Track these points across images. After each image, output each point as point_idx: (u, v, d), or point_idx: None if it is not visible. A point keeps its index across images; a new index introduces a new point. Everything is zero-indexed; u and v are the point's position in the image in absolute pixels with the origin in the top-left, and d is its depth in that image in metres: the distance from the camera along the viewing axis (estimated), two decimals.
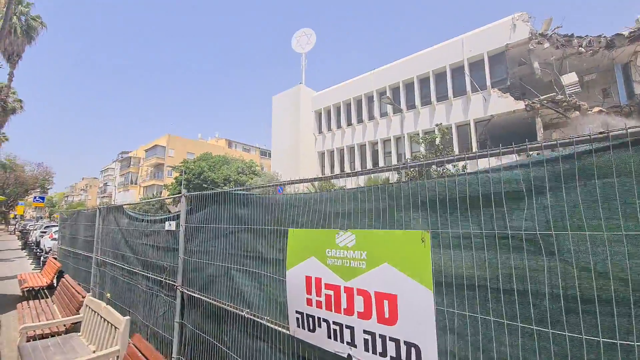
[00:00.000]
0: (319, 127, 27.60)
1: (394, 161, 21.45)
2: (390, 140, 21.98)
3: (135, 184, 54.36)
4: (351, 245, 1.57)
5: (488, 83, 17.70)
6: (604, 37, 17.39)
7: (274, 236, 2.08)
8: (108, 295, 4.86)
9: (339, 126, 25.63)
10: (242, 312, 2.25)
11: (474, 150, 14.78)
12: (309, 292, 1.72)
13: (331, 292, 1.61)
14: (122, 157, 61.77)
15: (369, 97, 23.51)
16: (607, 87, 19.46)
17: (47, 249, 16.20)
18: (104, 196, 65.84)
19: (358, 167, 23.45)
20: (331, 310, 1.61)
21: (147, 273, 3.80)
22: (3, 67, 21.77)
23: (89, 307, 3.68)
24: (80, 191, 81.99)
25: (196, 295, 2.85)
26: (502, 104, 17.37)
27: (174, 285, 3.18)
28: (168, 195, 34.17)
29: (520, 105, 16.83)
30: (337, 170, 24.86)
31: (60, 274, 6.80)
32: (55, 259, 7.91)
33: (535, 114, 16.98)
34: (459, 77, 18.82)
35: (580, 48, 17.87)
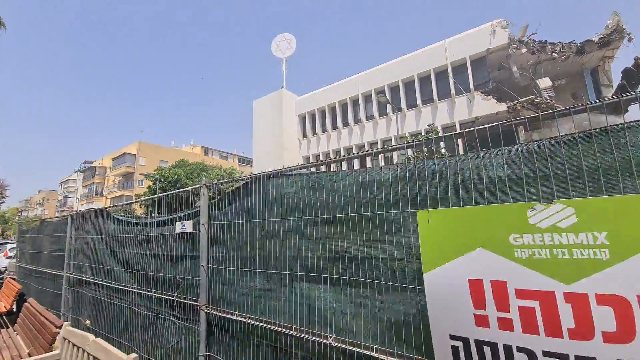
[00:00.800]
0: (303, 131, 27.04)
1: (382, 163, 21.23)
2: (377, 143, 21.86)
3: (101, 195, 50.37)
4: (568, 224, 0.97)
5: (471, 86, 18.13)
6: (575, 43, 18.50)
7: (383, 225, 1.43)
8: (87, 322, 3.86)
9: (324, 130, 25.22)
10: (319, 337, 1.55)
11: (461, 151, 14.90)
12: (478, 304, 1.09)
13: (534, 303, 0.99)
14: (85, 167, 57.22)
15: (355, 101, 23.37)
16: (576, 91, 20.68)
17: (2, 269, 14.07)
18: (64, 210, 60.39)
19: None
20: (536, 333, 0.99)
21: (147, 291, 2.96)
22: None
23: (69, 342, 2.75)
24: (37, 205, 74.85)
25: (233, 318, 2.09)
26: (485, 106, 17.82)
27: (195, 305, 2.39)
28: (139, 205, 31.66)
29: (503, 107, 17.34)
30: None
31: (21, 298, 5.56)
32: (13, 279, 6.55)
33: (516, 116, 17.58)
34: (443, 81, 19.17)
35: (553, 54, 18.85)
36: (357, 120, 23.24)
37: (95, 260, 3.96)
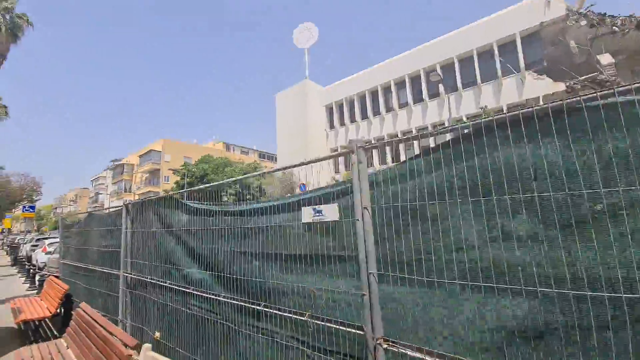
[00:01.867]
0: (330, 122, 26.07)
1: (416, 152, 19.91)
2: (411, 132, 20.53)
3: (129, 191, 51.75)
4: None
5: (522, 65, 16.44)
6: (635, 17, 16.43)
7: None
8: (157, 335, 3.13)
9: (353, 120, 24.13)
10: None
11: None
12: None
13: None
14: (114, 165, 59.06)
15: (386, 88, 22.09)
16: (634, 68, 18.47)
17: (41, 265, 14.14)
18: (96, 206, 62.83)
19: (376, 163, 21.95)
20: None
21: (250, 303, 2.14)
22: None
23: None
24: (70, 202, 78.48)
25: None
26: (539, 87, 16.12)
27: (358, 335, 1.53)
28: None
29: (560, 87, 15.60)
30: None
31: (67, 299, 5.03)
32: (56, 277, 6.09)
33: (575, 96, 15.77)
34: (488, 61, 17.53)
35: (614, 27, 16.81)
36: (389, 109, 21.99)
37: (164, 259, 3.21)
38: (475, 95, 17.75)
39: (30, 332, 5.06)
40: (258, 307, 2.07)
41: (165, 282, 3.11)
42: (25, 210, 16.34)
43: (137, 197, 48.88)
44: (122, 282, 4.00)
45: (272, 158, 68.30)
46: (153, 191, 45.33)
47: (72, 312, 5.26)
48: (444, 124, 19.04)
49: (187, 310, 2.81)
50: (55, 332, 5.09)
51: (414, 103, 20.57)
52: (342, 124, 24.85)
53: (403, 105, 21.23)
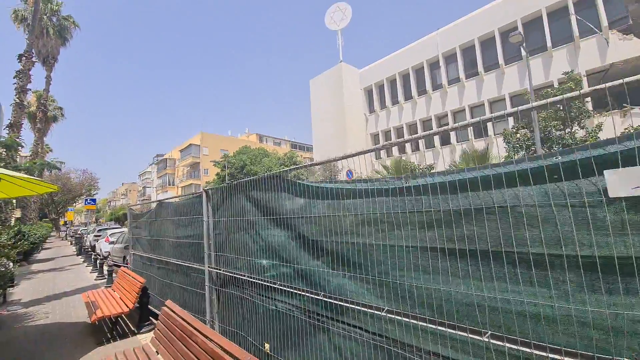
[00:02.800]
0: (369, 105, 24.75)
1: (471, 136, 18.18)
2: (464, 110, 18.71)
3: (173, 185, 54.58)
4: None
5: (602, 24, 13.94)
6: None
7: None
8: (266, 347, 2.52)
9: (395, 102, 22.62)
10: None
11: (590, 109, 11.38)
12: None
13: None
14: (157, 160, 62.49)
15: (433, 64, 20.26)
16: None
17: (105, 254, 14.95)
18: (144, 199, 67.34)
19: (422, 147, 20.43)
20: None
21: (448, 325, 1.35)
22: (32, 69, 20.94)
23: None
24: (121, 196, 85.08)
25: None
26: (626, 48, 13.58)
27: None
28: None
29: None
30: (395, 153, 22.00)
31: (144, 293, 4.72)
32: (125, 267, 5.92)
33: None
34: (559, 21, 15.13)
35: None
36: (436, 86, 20.19)
37: (269, 253, 2.57)
38: (545, 63, 15.48)
39: (107, 329, 4.87)
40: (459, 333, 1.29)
41: (275, 284, 2.46)
42: (87, 202, 17.39)
43: (180, 189, 51.31)
44: (207, 278, 3.49)
45: (304, 148, 68.13)
46: (194, 184, 47.28)
47: (149, 307, 5.00)
48: (500, 100, 17.03)
49: (309, 320, 2.14)
50: (133, 328, 4.86)
51: (466, 78, 18.61)
52: (383, 106, 23.43)
53: (453, 81, 19.33)
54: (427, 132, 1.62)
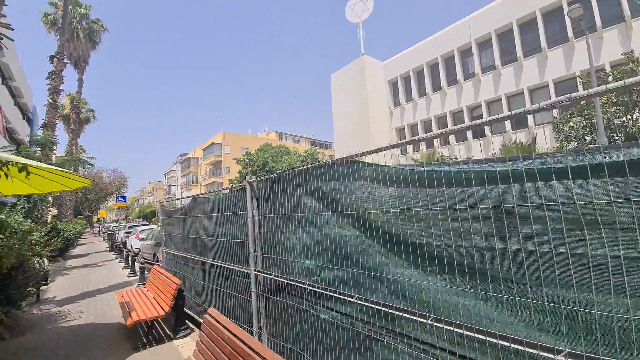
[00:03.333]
0: (394, 98, 23.79)
1: (508, 127, 16.90)
2: (500, 100, 17.42)
3: (196, 183, 55.89)
4: None
5: None
6: None
7: None
8: None
9: (422, 93, 21.55)
10: None
11: None
12: None
13: None
14: (181, 159, 64.25)
15: (464, 51, 19.03)
16: None
17: (135, 250, 15.20)
18: (169, 197, 69.62)
19: (453, 141, 19.31)
20: None
21: None
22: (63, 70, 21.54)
23: None
24: (148, 194, 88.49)
25: None
26: None
27: None
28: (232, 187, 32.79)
29: None
30: (423, 148, 20.98)
31: (179, 295, 4.38)
32: (156, 264, 5.66)
33: None
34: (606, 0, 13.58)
35: None
36: (468, 75, 18.97)
37: (335, 258, 2.05)
38: (594, 45, 13.95)
39: (142, 332, 4.59)
40: None
41: (352, 297, 1.94)
42: (118, 200, 17.85)
43: (203, 188, 52.41)
44: (254, 283, 3.03)
45: (323, 145, 67.62)
46: (217, 182, 48.07)
47: (185, 310, 4.68)
48: (538, 89, 15.65)
49: (400, 347, 1.59)
50: (169, 332, 4.55)
51: (502, 65, 17.30)
52: (409, 99, 22.41)
53: (488, 69, 18.04)
54: (477, 121, 1.02)
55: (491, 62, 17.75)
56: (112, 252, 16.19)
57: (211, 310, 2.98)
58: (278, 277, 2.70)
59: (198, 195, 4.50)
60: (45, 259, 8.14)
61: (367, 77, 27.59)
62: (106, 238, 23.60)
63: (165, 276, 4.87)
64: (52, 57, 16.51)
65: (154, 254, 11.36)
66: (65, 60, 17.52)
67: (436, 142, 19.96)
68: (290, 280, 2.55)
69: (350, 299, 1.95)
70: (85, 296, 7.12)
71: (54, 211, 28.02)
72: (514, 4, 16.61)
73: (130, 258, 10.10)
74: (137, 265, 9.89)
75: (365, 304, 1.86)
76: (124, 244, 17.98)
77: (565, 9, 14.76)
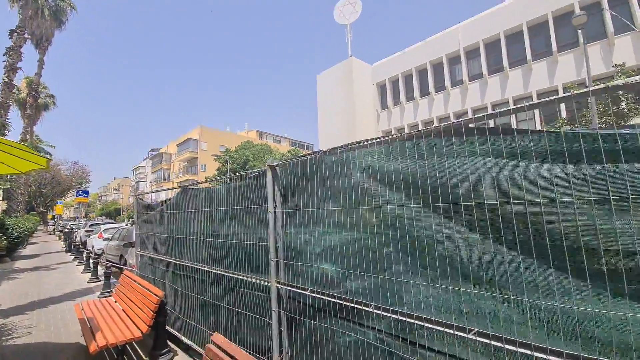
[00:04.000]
0: (382, 102, 23.69)
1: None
2: (486, 108, 17.75)
3: (168, 180, 52.80)
4: None
5: None
6: None
7: None
8: None
9: (409, 98, 21.59)
10: None
11: None
12: None
13: None
14: (152, 154, 60.57)
15: (452, 59, 19.27)
16: None
17: (98, 251, 13.53)
18: (138, 194, 65.25)
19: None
20: None
21: None
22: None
23: None
24: (113, 191, 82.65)
25: None
26: None
27: None
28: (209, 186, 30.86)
29: None
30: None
31: (161, 309, 3.49)
32: (130, 271, 4.65)
33: None
34: (597, 15, 14.21)
35: None
36: (455, 82, 19.21)
37: (426, 271, 1.39)
38: (605, 53, 14.31)
39: (109, 358, 3.63)
40: None
41: (467, 332, 1.28)
42: (79, 194, 15.91)
43: (175, 185, 49.62)
44: (275, 298, 2.29)
45: (303, 146, 66.81)
46: (191, 179, 45.65)
47: (166, 328, 3.77)
48: (526, 99, 16.10)
49: None
50: (146, 358, 3.62)
51: (489, 74, 17.66)
52: (397, 102, 22.38)
53: (475, 77, 18.36)
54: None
55: (478, 70, 18.07)
56: (70, 253, 14.37)
57: (217, 337, 2.20)
58: (319, 294, 1.98)
59: (192, 185, 3.65)
60: None
61: (355, 79, 27.36)
62: (62, 237, 21.20)
63: (142, 285, 3.94)
64: (11, 32, 14.53)
65: (121, 256, 10.04)
66: (26, 35, 15.50)
67: None
68: (336, 298, 1.85)
69: (463, 334, 1.30)
70: (36, 306, 5.88)
71: (3, 205, 24.86)
72: (502, 15, 17.03)
73: (91, 260, 8.77)
74: (100, 269, 8.60)
75: (496, 343, 1.21)
76: (84, 244, 16.10)
77: (552, 22, 15.30)
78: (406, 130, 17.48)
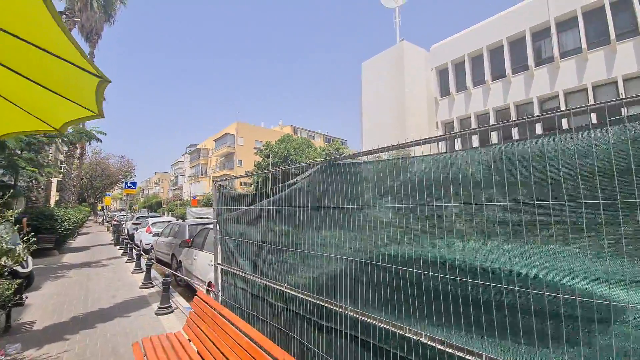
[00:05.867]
0: (442, 88, 21.00)
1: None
2: (585, 89, 14.58)
3: (205, 175, 53.54)
4: None
5: None
6: None
7: None
8: None
9: (480, 82, 18.74)
10: None
11: None
12: None
13: None
14: (191, 150, 61.95)
15: (537, 33, 16.21)
16: None
17: (146, 246, 12.66)
18: (176, 188, 67.44)
19: (516, 137, 16.48)
20: None
21: None
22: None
23: None
24: (154, 185, 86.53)
25: None
26: None
27: None
28: (250, 184, 29.79)
29: None
30: (475, 144, 18.20)
31: None
32: (209, 297, 3.02)
33: None
34: None
35: None
36: (541, 61, 16.14)
37: None
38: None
39: None
40: None
41: None
42: (127, 186, 15.35)
43: (211, 181, 50.20)
44: None
45: (338, 142, 64.83)
46: (228, 174, 45.62)
47: None
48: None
49: None
50: None
51: (589, 49, 14.46)
52: (462, 88, 19.61)
53: (568, 53, 15.21)
54: None
55: (573, 44, 14.91)
56: (118, 247, 13.71)
57: None
58: None
59: (340, 159, 1.87)
60: (29, 258, 5.58)
61: (406, 66, 24.87)
62: (111, 229, 21.22)
63: (243, 332, 2.25)
64: (60, 13, 14.03)
65: (173, 256, 8.82)
66: (75, 19, 15.03)
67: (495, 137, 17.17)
68: None
69: None
70: (79, 325, 4.55)
71: (55, 196, 25.69)
72: None
73: (143, 261, 7.53)
74: (154, 272, 7.33)
75: None
76: (131, 237, 15.50)
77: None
78: (473, 121, 14.84)
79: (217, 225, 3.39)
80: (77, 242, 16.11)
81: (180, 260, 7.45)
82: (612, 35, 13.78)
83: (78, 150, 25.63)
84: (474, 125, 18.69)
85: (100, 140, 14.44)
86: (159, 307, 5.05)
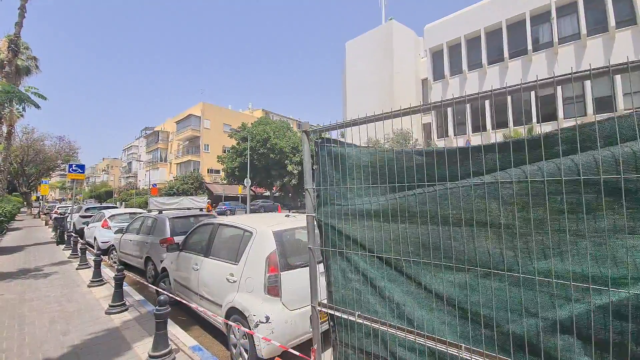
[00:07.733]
0: (435, 71, 20.07)
1: (589, 111, 14.08)
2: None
3: (165, 161, 48.46)
4: None
5: None
6: None
7: None
8: None
9: (475, 66, 18.08)
10: None
11: None
12: None
13: None
14: (147, 133, 55.66)
15: (537, 16, 15.76)
16: None
17: (102, 245, 9.96)
18: (129, 176, 60.65)
19: (512, 125, 16.23)
20: None
21: None
22: None
23: None
24: (102, 172, 77.32)
25: None
26: None
27: None
28: (223, 171, 26.76)
29: None
30: (473, 132, 17.73)
31: None
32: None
33: None
34: None
35: None
36: (539, 46, 15.80)
37: None
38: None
39: None
40: None
41: None
42: (73, 170, 12.13)
43: (174, 167, 45.41)
44: None
45: None
46: (193, 160, 41.57)
47: None
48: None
49: None
50: None
51: (589, 35, 14.28)
52: (457, 71, 18.86)
53: (567, 38, 14.97)
54: None
55: (573, 30, 14.67)
56: (63, 247, 10.76)
57: None
58: None
59: None
60: None
61: (395, 47, 23.65)
62: (51, 223, 17.43)
63: None
64: None
65: (148, 260, 6.59)
66: None
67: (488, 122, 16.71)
68: None
69: None
70: None
71: None
72: None
73: (114, 276, 5.28)
74: (128, 289, 5.19)
75: None
76: (80, 233, 12.47)
77: None
78: (467, 107, 13.95)
79: (322, 226, 1.59)
80: (6, 240, 12.60)
81: (165, 267, 5.32)
82: (612, 23, 13.66)
83: (4, 128, 20.74)
84: (468, 113, 18.13)
85: (39, 107, 11.07)
86: (151, 356, 3.06)
